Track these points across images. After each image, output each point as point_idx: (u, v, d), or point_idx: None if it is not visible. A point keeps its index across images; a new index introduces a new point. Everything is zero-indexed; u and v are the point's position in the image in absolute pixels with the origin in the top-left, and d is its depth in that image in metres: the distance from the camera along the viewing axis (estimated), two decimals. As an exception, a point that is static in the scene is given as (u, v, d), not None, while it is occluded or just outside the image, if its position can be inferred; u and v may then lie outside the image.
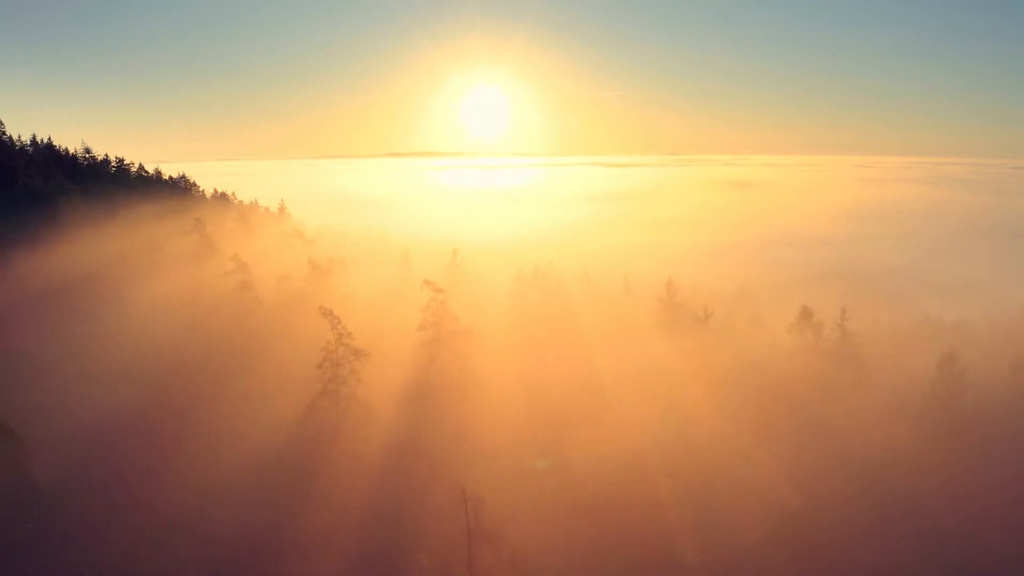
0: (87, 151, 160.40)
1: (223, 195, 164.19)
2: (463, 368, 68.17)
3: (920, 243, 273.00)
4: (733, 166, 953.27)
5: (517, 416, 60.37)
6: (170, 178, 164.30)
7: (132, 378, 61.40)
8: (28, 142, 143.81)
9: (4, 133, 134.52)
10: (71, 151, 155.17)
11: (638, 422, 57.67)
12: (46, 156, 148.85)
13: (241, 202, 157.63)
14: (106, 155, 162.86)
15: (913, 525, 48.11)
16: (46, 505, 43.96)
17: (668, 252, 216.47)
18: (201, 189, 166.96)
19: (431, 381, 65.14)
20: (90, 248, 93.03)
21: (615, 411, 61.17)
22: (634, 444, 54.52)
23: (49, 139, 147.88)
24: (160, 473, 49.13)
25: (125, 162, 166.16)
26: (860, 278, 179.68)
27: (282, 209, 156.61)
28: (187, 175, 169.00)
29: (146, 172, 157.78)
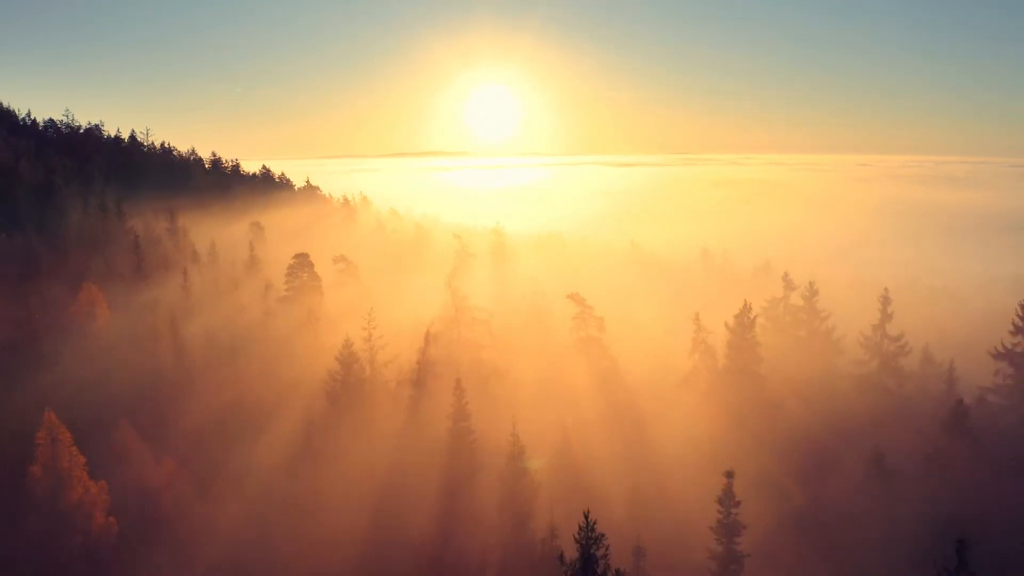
0: (213, 154, 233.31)
1: (314, 188, 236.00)
2: (514, 270, 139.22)
3: (911, 240, 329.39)
4: (738, 165, 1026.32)
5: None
6: (274, 175, 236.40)
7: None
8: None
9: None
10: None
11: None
12: (195, 158, 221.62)
13: (329, 193, 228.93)
14: (220, 156, 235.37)
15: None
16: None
17: (659, 244, 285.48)
18: (293, 183, 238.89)
19: (501, 273, 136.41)
20: (281, 218, 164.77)
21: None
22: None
23: (172, 144, 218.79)
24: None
25: (236, 161, 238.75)
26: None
27: (364, 197, 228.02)
28: (285, 172, 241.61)
29: (269, 171, 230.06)
